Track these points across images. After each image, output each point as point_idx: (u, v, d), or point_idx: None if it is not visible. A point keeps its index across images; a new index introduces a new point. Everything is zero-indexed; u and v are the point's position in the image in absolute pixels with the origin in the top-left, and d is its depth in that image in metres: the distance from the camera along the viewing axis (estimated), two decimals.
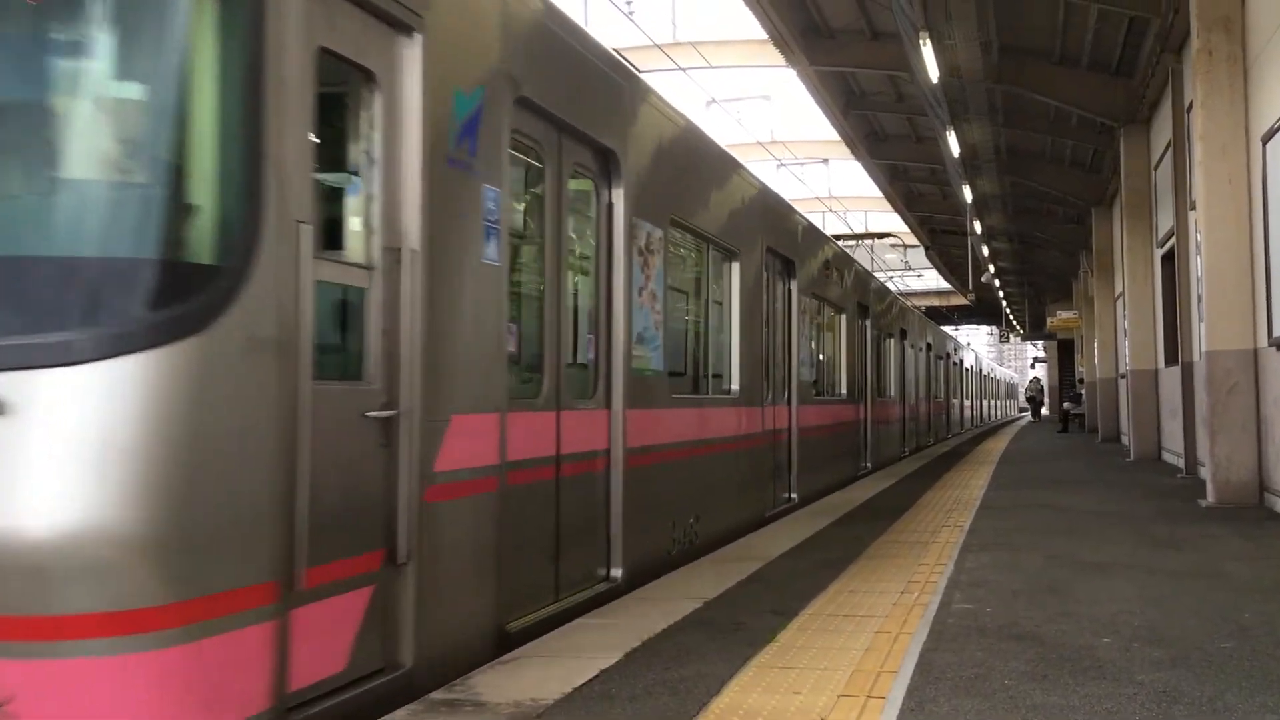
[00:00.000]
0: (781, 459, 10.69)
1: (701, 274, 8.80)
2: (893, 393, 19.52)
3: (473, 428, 4.66)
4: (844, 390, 14.67)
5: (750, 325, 9.43)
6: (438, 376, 4.37)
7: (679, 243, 8.07)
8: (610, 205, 6.41)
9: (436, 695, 4.06)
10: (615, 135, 6.39)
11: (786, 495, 10.83)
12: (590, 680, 4.25)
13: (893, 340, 19.53)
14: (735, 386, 9.07)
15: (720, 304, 9.14)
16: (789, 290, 11.26)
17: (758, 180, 10.18)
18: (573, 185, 6.11)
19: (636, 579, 6.42)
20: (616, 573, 6.32)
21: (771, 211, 10.62)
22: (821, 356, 13.56)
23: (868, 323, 16.44)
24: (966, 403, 38.91)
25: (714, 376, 8.85)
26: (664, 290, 7.20)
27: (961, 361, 36.74)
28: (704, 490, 8.12)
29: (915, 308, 26.98)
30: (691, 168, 8.11)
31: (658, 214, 7.09)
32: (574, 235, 6.18)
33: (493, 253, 4.83)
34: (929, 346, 25.95)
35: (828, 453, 13.29)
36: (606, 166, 6.37)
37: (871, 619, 5.38)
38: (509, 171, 5.03)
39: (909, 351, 21.78)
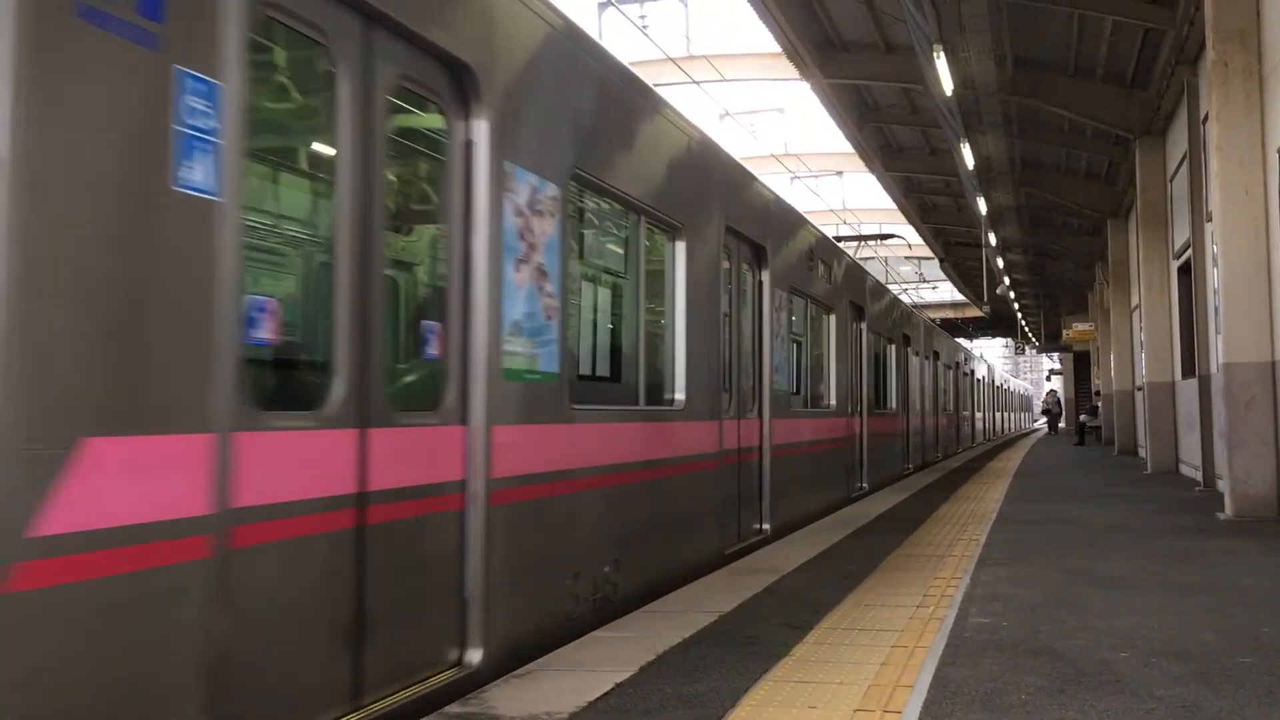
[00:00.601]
0: (750, 483, 8.99)
1: (629, 252, 7.17)
2: (894, 404, 17.81)
3: (146, 457, 2.98)
4: (833, 401, 12.89)
5: (702, 322, 7.82)
6: (53, 370, 2.76)
7: (592, 209, 6.59)
8: (469, 144, 4.69)
9: (452, 709, 4.05)
10: (475, 45, 4.65)
11: (757, 526, 9.15)
12: (605, 694, 4.23)
13: (894, 346, 17.80)
14: (679, 396, 7.44)
15: (658, 293, 7.51)
16: (759, 282, 9.52)
17: (715, 144, 8.41)
18: (403, 110, 4.48)
19: (512, 657, 4.81)
20: (473, 656, 4.56)
21: (734, 184, 8.78)
22: (804, 363, 11.93)
23: (863, 325, 14.74)
24: (978, 415, 36.85)
25: (648, 384, 7.12)
26: (560, 267, 5.43)
27: (972, 372, 35.15)
28: (627, 528, 6.43)
29: (918, 311, 24.94)
30: (610, 110, 6.29)
31: (548, 162, 5.31)
32: (399, 178, 4.70)
33: (199, 178, 3.17)
34: (936, 355, 24.16)
35: (812, 473, 11.60)
36: (462, 88, 4.63)
37: (887, 633, 5.35)
38: (244, 59, 3.35)
39: (913, 359, 20.02)
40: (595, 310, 7.03)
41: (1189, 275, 15.79)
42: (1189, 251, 15.50)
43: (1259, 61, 10.78)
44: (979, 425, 37.27)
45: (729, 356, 8.58)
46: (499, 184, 4.82)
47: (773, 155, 27.86)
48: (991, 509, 11.91)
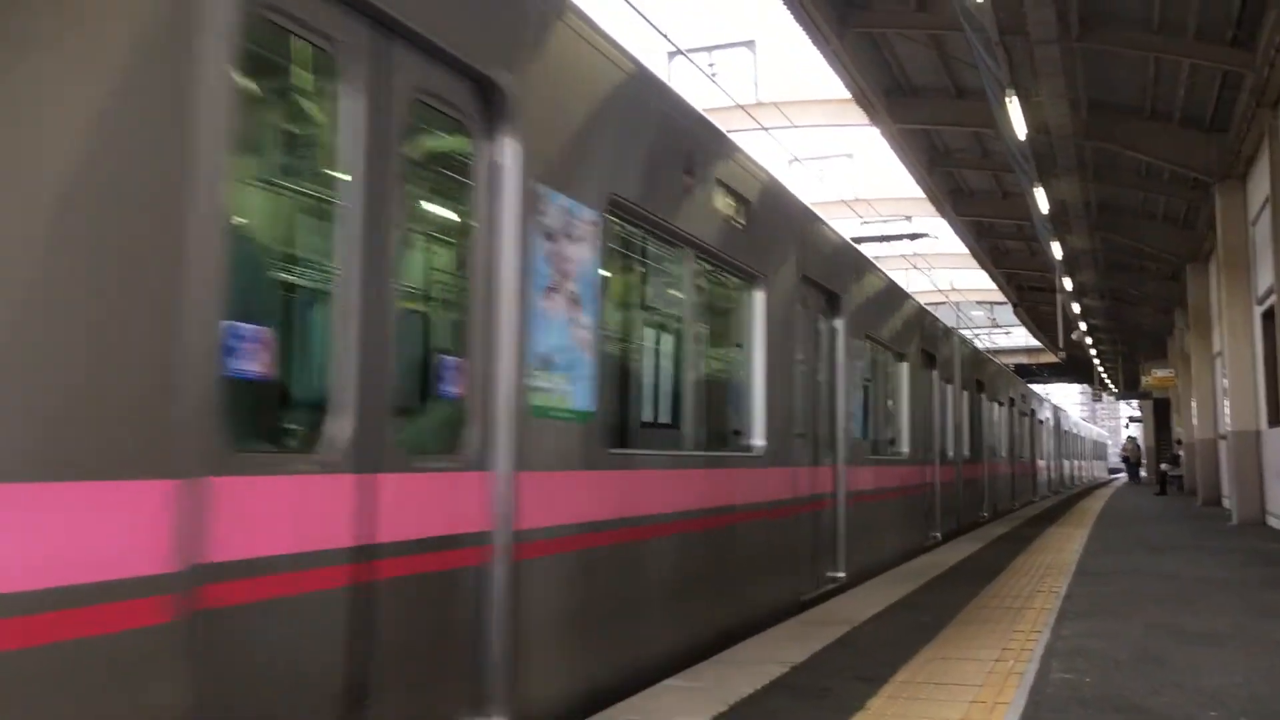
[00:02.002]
0: (826, 528, 8.96)
1: (689, 291, 6.67)
2: (968, 452, 17.55)
3: (84, 505, 2.51)
4: (905, 449, 12.78)
5: (778, 366, 7.76)
6: None
7: (640, 241, 6.18)
8: (495, 165, 4.32)
9: None
10: (506, 61, 4.37)
11: (831, 574, 9.14)
12: None
13: (966, 394, 17.67)
14: (761, 442, 7.40)
15: (726, 337, 7.58)
16: (833, 328, 9.58)
17: (790, 191, 8.44)
18: (423, 128, 4.17)
19: None
20: None
21: (807, 230, 8.77)
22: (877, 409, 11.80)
23: (935, 372, 14.76)
24: (1052, 464, 35.31)
25: (731, 430, 7.31)
26: (596, 296, 5.00)
27: (1050, 420, 34.05)
28: (707, 574, 6.37)
29: (992, 357, 24.57)
30: (649, 137, 5.86)
31: (584, 186, 4.95)
32: (416, 198, 4.33)
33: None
34: (1011, 401, 23.86)
35: (888, 522, 11.54)
36: (489, 106, 4.31)
37: (965, 687, 5.23)
38: (234, 64, 3.03)
39: (986, 406, 19.76)
40: (646, 345, 6.82)
41: (1273, 321, 15.39)
42: (1273, 297, 15.11)
43: None
44: (1052, 474, 35.31)
45: (808, 401, 8.68)
46: (527, 204, 4.44)
47: (842, 200, 27.79)
48: (1071, 560, 11.63)
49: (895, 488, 11.92)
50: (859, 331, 10.21)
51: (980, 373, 19.60)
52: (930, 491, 13.92)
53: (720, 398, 7.43)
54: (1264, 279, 16.06)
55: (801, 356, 8.48)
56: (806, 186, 35.97)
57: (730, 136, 7.47)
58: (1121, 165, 20.55)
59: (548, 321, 4.57)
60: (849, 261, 10.21)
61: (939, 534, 14.23)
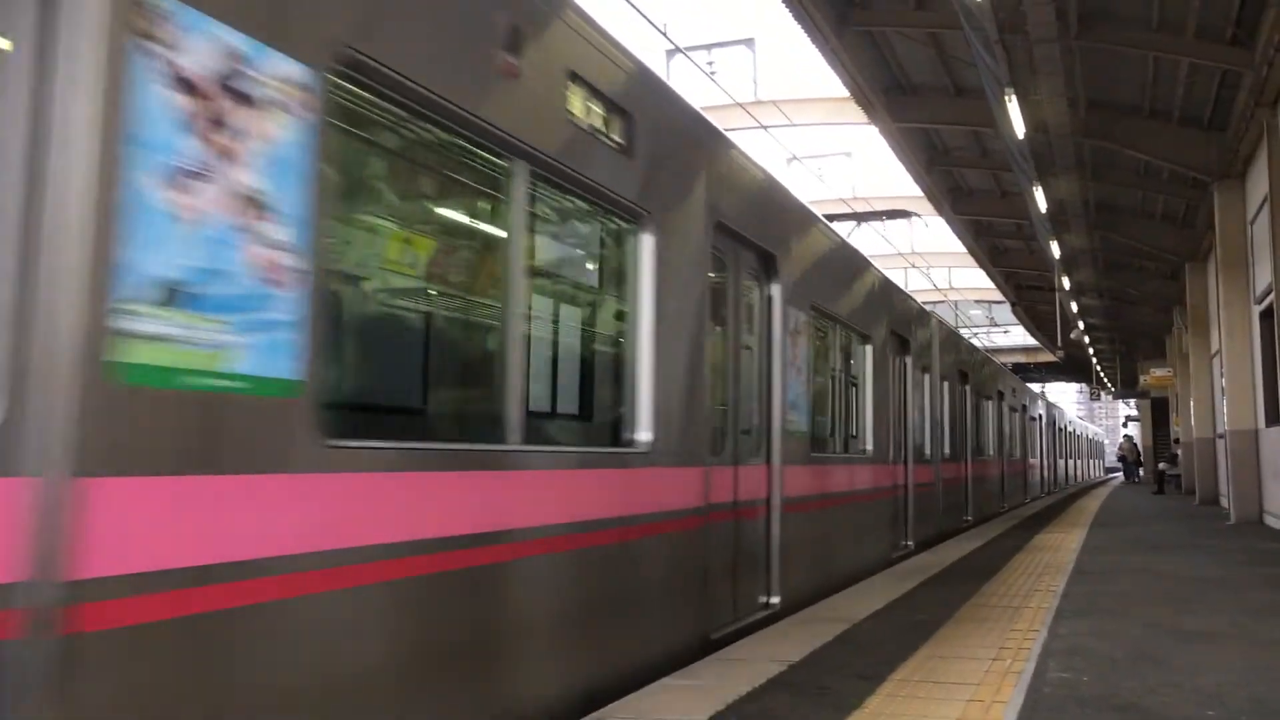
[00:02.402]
0: (752, 542, 7.28)
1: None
2: (948, 450, 15.66)
3: None
4: (868, 445, 10.97)
5: (677, 337, 6.05)
6: None
7: (411, 127, 4.21)
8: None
9: None
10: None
11: (763, 600, 7.49)
12: None
13: (947, 384, 15.79)
14: (646, 436, 5.68)
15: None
16: (768, 296, 7.83)
17: (699, 114, 6.68)
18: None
19: None
20: None
21: (726, 173, 7.02)
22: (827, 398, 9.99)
23: (908, 359, 13.00)
24: (1045, 463, 33.23)
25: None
26: (309, 201, 3.27)
27: (1043, 416, 32.61)
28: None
29: (975, 345, 22.41)
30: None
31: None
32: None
33: None
34: (1000, 394, 22.15)
35: (841, 533, 9.65)
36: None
37: (963, 686, 5.23)
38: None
39: (971, 399, 18.14)
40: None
41: (1271, 320, 15.39)
42: (1271, 296, 15.12)
43: None
44: (1045, 474, 32.92)
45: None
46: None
47: (840, 199, 27.80)
48: (1069, 559, 11.63)
49: (852, 491, 10.08)
50: (802, 302, 8.40)
51: (964, 362, 17.82)
52: (901, 495, 12.17)
53: (578, 375, 5.83)
54: (1262, 278, 16.07)
55: (717, 328, 6.82)
56: (805, 185, 35.97)
57: (606, 29, 5.43)
58: (1120, 164, 20.56)
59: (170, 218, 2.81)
60: (790, 215, 8.33)
61: (911, 543, 12.53)
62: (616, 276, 5.86)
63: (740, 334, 7.27)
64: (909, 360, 12.97)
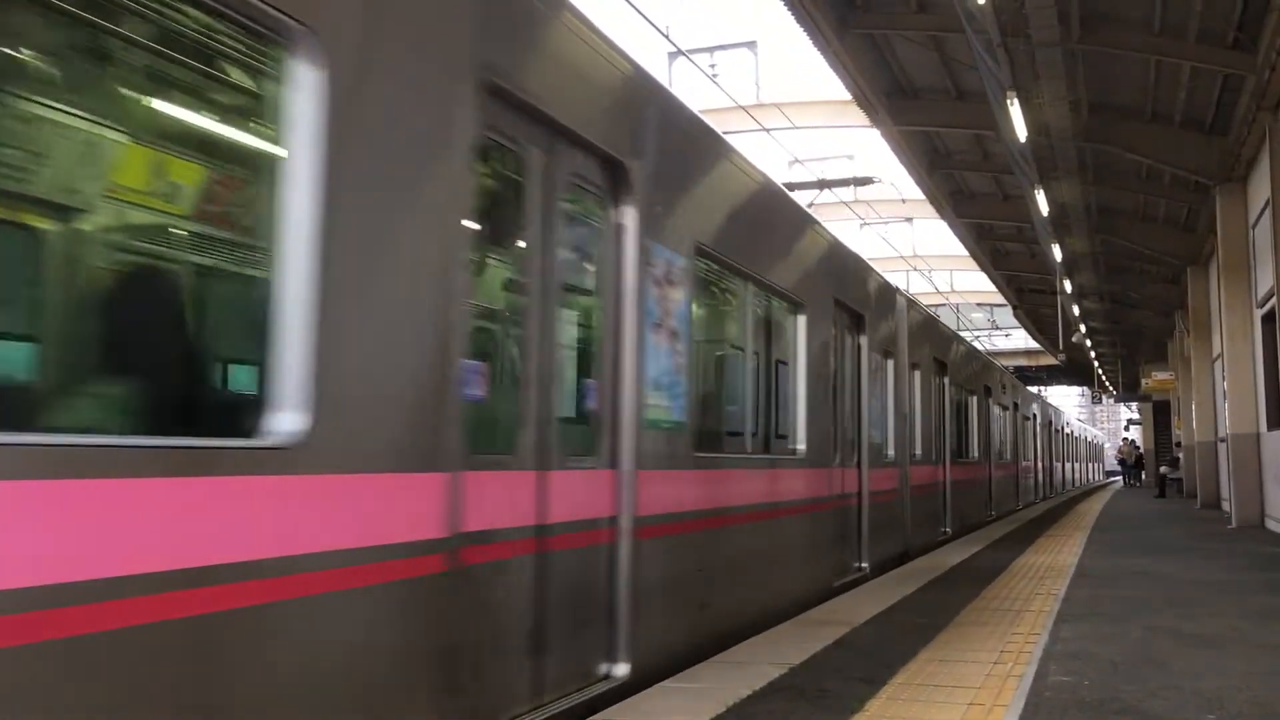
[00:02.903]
0: (570, 584, 4.99)
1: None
2: (919, 452, 13.48)
3: None
4: (799, 445, 8.56)
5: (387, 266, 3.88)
6: None
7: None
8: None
9: None
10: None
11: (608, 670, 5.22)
12: None
13: (919, 374, 13.63)
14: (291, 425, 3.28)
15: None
16: (615, 223, 5.53)
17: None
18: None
19: None
20: None
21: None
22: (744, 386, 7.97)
23: (863, 339, 10.76)
24: (1040, 466, 31.25)
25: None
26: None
27: (1038, 416, 30.90)
28: None
29: (956, 333, 19.46)
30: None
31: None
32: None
33: None
34: (988, 390, 20.11)
35: (746, 561, 7.28)
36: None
37: (963, 689, 5.23)
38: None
39: (951, 393, 16.16)
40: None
41: (1273, 324, 15.39)
42: (1273, 300, 15.11)
43: None
44: (1035, 479, 30.01)
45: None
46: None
47: (842, 202, 27.81)
48: (1070, 562, 11.63)
49: (771, 504, 7.84)
50: (679, 239, 6.11)
51: (943, 351, 15.59)
52: (851, 506, 10.07)
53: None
54: (1264, 282, 16.06)
55: (494, 251, 4.84)
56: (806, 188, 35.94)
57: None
58: (1122, 168, 20.55)
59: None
60: (662, 113, 6.17)
61: (865, 565, 10.37)
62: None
63: (555, 267, 4.87)
64: (864, 342, 10.75)
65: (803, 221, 9.05)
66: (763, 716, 4.67)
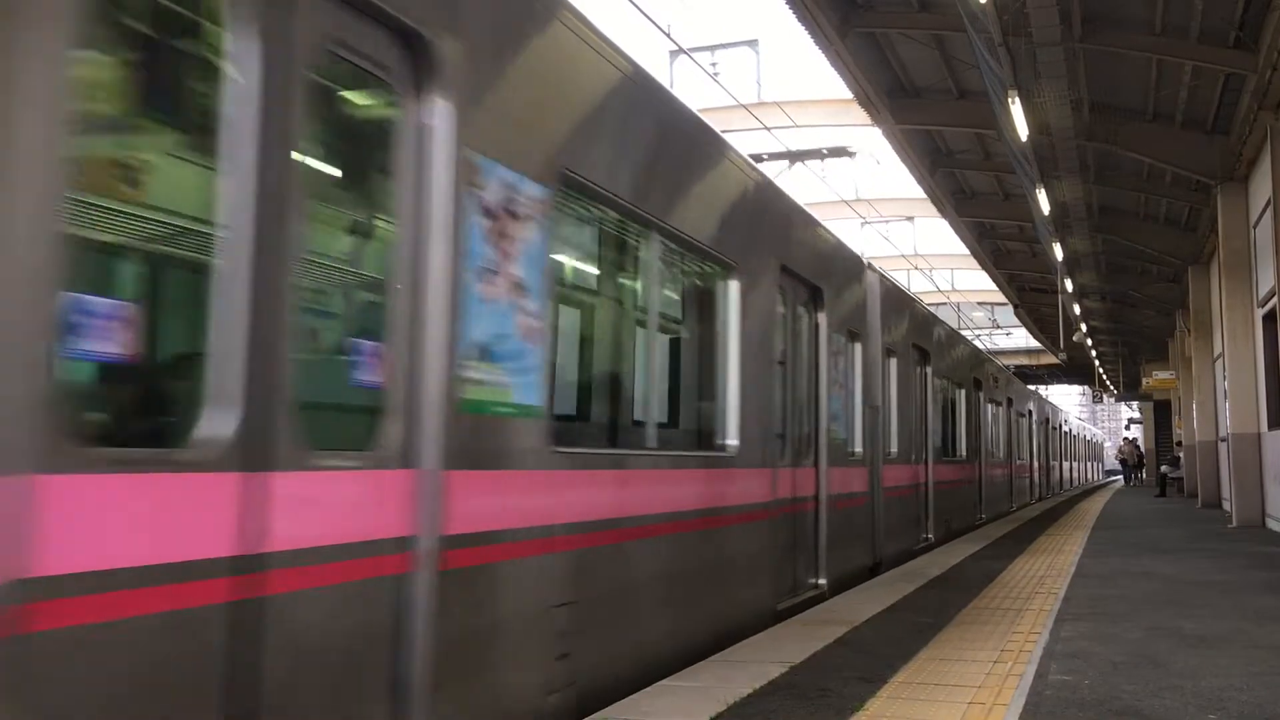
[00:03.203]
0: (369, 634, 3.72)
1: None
2: (895, 449, 12.12)
3: None
4: (728, 440, 7.07)
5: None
6: None
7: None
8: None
9: None
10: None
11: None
12: None
13: (895, 361, 12.27)
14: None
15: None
16: (419, 123, 4.04)
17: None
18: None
19: None
20: None
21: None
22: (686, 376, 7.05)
23: (821, 316, 9.27)
24: (1036, 466, 29.96)
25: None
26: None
27: (1033, 413, 29.67)
28: None
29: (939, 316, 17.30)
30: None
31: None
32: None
33: None
34: (978, 383, 18.76)
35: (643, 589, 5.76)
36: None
37: (963, 688, 5.23)
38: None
39: (935, 385, 14.66)
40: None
41: (1274, 324, 15.38)
42: (1274, 299, 15.11)
43: None
44: (1030, 479, 28.50)
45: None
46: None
47: (843, 200, 27.80)
48: (1070, 562, 11.63)
49: (684, 514, 6.28)
50: (526, 157, 4.58)
51: (924, 337, 14.07)
52: (805, 512, 8.72)
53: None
54: (1265, 281, 16.06)
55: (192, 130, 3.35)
56: (808, 186, 35.99)
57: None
58: (1123, 167, 20.55)
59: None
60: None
61: (822, 580, 9.01)
62: None
63: (284, 169, 3.29)
64: (823, 320, 9.27)
65: (736, 164, 7.33)
66: (763, 715, 4.68)
